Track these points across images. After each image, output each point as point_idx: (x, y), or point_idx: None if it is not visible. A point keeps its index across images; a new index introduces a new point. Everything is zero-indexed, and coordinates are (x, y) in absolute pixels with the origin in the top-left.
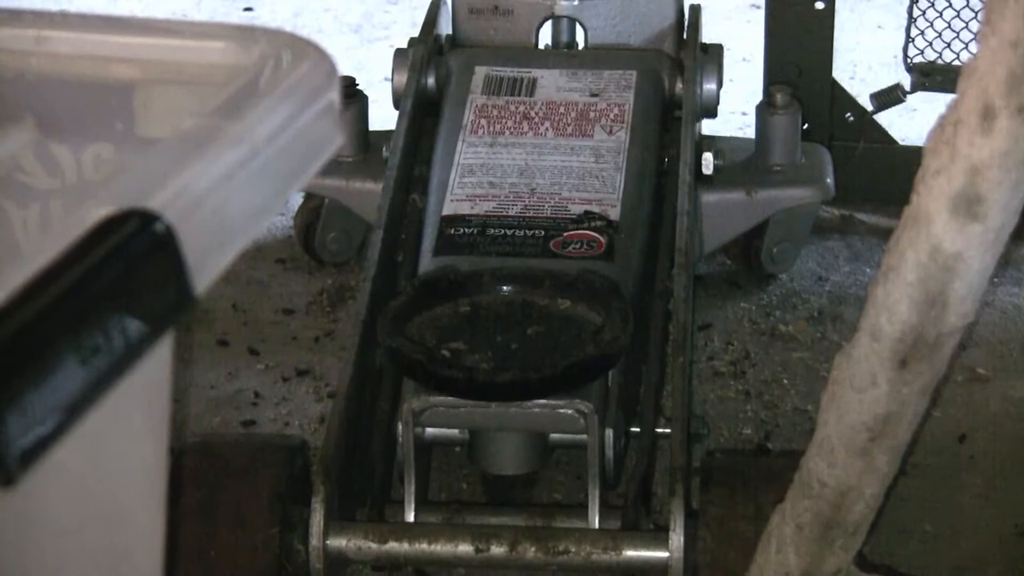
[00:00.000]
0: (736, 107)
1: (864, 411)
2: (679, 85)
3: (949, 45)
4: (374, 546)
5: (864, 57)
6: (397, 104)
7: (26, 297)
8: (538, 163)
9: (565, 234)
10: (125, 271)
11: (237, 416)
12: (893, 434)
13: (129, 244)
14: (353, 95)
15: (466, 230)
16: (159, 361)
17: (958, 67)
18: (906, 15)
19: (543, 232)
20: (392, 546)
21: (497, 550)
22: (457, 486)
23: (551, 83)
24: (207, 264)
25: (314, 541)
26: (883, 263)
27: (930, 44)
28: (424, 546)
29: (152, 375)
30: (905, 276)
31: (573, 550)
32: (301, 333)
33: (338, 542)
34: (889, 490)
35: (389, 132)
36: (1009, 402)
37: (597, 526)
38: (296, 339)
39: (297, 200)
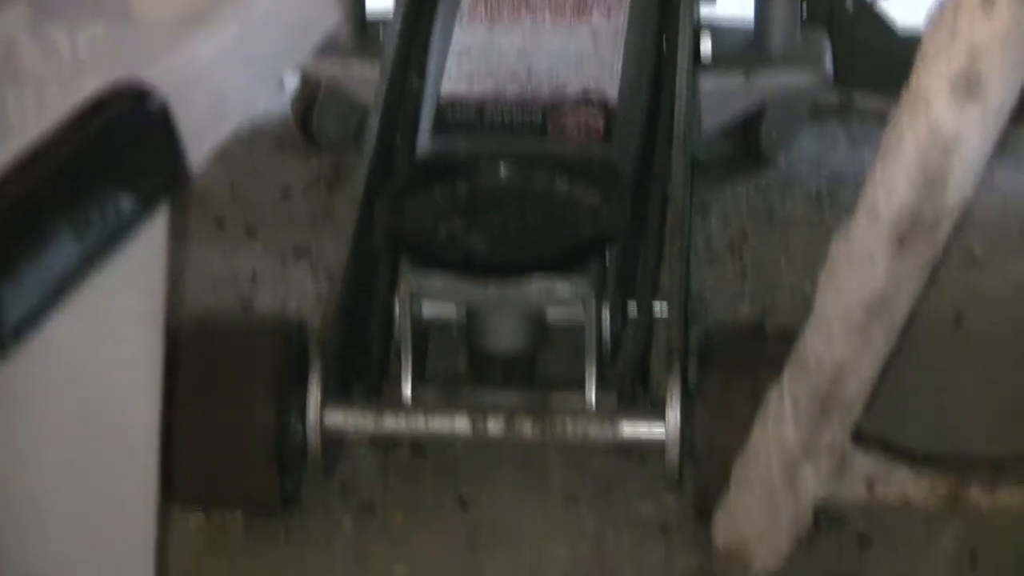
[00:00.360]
0: None
1: (862, 289)
2: None
3: None
4: (371, 423)
5: None
6: None
7: (21, 172)
8: (536, 46)
9: (563, 116)
10: (120, 146)
11: (235, 296)
12: (890, 311)
13: (124, 119)
14: None
15: (464, 110)
16: (154, 238)
17: None
18: None
19: (541, 114)
20: (389, 423)
21: (494, 427)
22: (454, 365)
23: None
24: (202, 140)
25: (311, 419)
26: (882, 144)
27: None
28: (421, 423)
29: (147, 252)
30: (904, 156)
31: (570, 428)
32: (299, 214)
33: (335, 420)
34: (885, 368)
35: (387, 16)
36: (1006, 283)
37: (594, 404)
38: (293, 220)
39: (295, 84)
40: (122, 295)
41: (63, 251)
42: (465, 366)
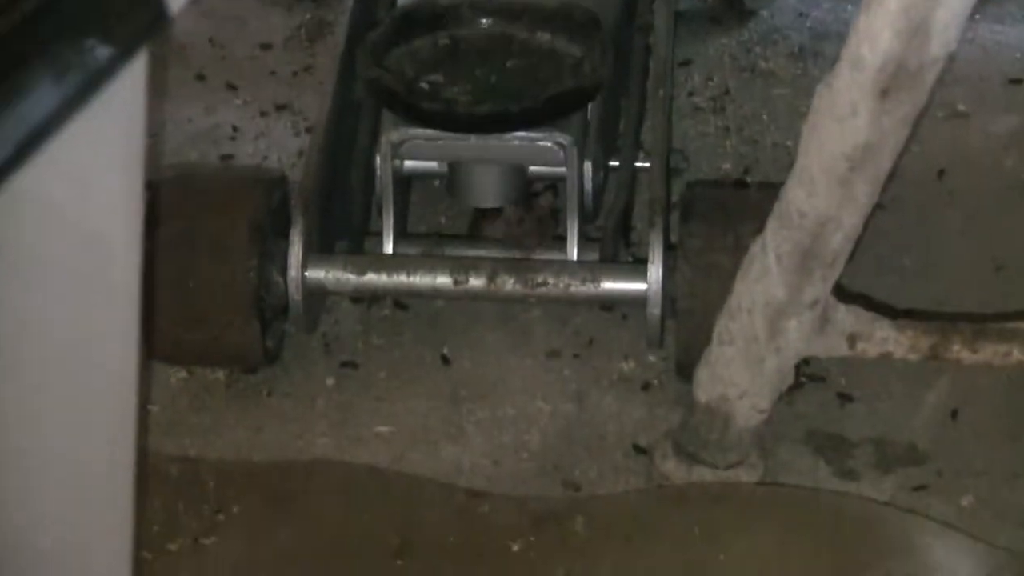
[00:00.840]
0: None
1: (844, 141)
2: None
3: None
4: (352, 277)
5: None
6: None
7: None
8: None
9: None
10: None
11: (215, 150)
12: (873, 164)
13: None
14: None
15: None
16: (133, 86)
17: None
18: None
19: None
20: (370, 277)
21: (475, 282)
22: (436, 220)
23: None
24: None
25: (293, 272)
26: None
27: None
28: (403, 277)
29: (126, 101)
30: (888, 5)
31: (551, 282)
32: (279, 68)
33: (317, 273)
34: (867, 223)
35: None
36: (989, 138)
37: (576, 258)
38: (274, 74)
39: None
40: (101, 144)
41: (41, 96)
42: (445, 218)
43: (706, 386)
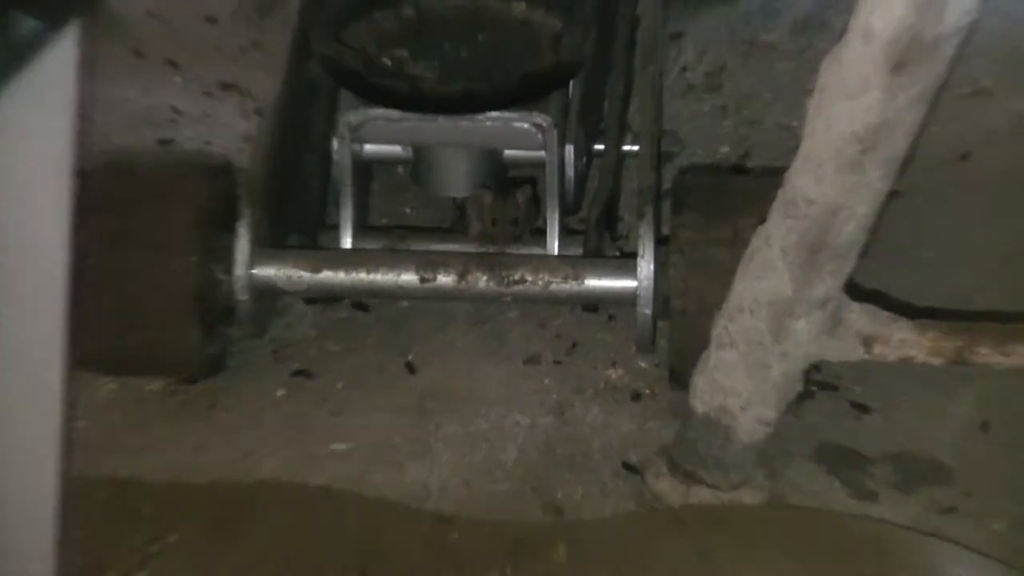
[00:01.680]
0: None
1: (855, 120)
2: None
3: None
4: (306, 275)
5: None
6: None
7: None
8: None
9: None
10: None
11: (153, 134)
12: (887, 146)
13: None
14: None
15: None
16: (61, 66)
17: None
18: None
19: None
20: (327, 275)
21: (444, 279)
22: (400, 211)
23: None
24: None
25: (239, 270)
26: None
27: None
28: (363, 275)
29: (54, 82)
30: None
31: (529, 279)
32: (225, 43)
33: (266, 271)
34: (882, 211)
35: None
36: (1015, 117)
37: (556, 253)
38: (220, 49)
39: None
40: (27, 128)
41: None
42: (411, 208)
43: (704, 395)
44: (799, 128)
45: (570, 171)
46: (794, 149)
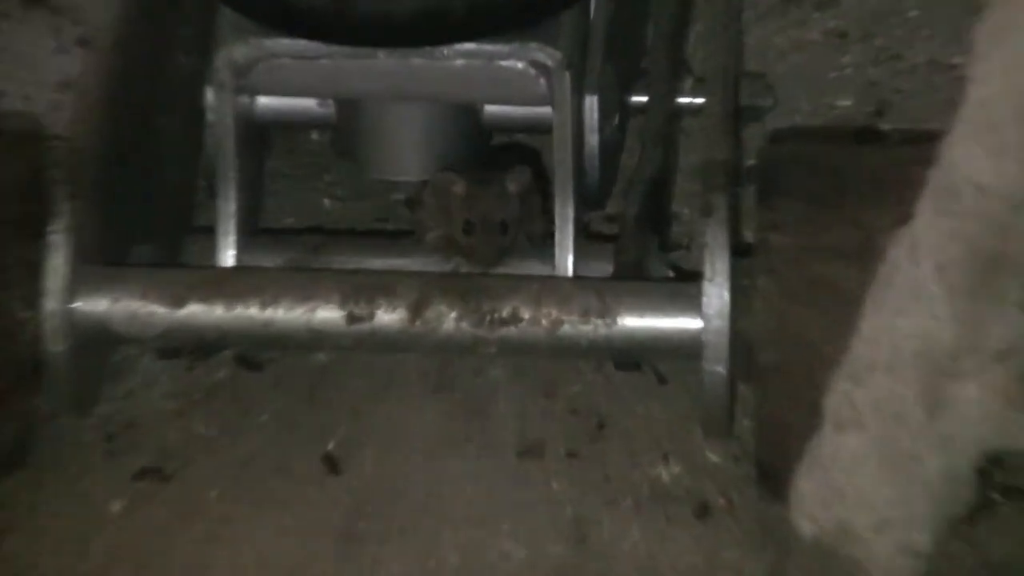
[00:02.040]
0: None
1: None
2: None
3: None
4: (161, 311)
5: None
6: None
7: None
8: None
9: None
10: None
11: None
12: None
13: None
14: None
15: None
16: None
17: None
18: None
19: None
20: (194, 311)
21: (387, 317)
22: (315, 203)
23: None
24: None
25: (52, 304)
26: None
27: None
28: (253, 311)
29: None
30: None
31: (527, 316)
32: None
33: (96, 304)
34: None
35: None
36: None
37: (571, 273)
38: None
39: None
40: None
41: None
42: (331, 199)
43: (814, 509)
44: (960, 69)
45: (592, 139)
46: (953, 105)
